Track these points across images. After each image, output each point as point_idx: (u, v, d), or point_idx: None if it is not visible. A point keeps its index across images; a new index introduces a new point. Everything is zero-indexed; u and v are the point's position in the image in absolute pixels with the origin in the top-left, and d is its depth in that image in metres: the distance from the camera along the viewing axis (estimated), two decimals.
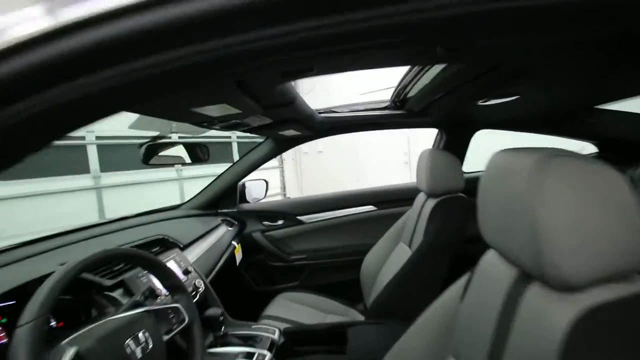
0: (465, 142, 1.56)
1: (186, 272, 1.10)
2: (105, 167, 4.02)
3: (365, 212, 1.80)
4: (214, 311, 1.01)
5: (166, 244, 1.17)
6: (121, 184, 4.14)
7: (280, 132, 1.25)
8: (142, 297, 0.77)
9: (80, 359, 0.51)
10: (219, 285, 1.83)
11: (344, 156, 6.01)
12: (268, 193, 1.98)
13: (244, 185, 1.92)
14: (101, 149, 4.03)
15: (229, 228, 1.70)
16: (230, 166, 1.70)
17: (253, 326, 1.11)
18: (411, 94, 1.27)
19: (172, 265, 1.07)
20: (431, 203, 1.22)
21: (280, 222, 1.83)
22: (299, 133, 1.32)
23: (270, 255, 1.81)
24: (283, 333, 1.10)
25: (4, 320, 0.60)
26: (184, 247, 1.23)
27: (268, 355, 0.97)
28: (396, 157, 5.50)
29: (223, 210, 1.80)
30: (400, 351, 0.75)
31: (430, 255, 1.11)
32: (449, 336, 0.70)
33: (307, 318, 1.42)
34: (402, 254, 1.36)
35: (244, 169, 1.68)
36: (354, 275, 1.63)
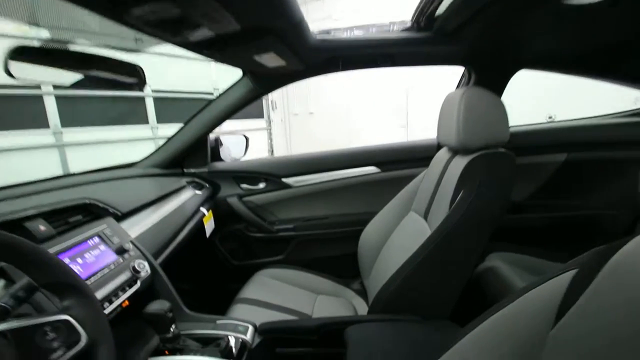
0: (501, 85, 1.22)
1: (120, 250, 0.78)
2: (67, 122, 3.55)
3: (366, 174, 1.48)
4: (158, 305, 0.71)
5: (93, 212, 0.84)
6: (86, 142, 3.69)
7: (258, 58, 0.88)
8: (13, 300, 0.44)
9: None
10: (186, 260, 1.54)
11: (337, 118, 5.60)
12: (254, 158, 1.63)
13: (217, 141, 1.56)
14: (61, 101, 3.53)
15: (197, 192, 1.36)
16: (197, 114, 1.33)
17: (218, 322, 0.82)
18: (440, 10, 0.91)
19: (94, 243, 0.75)
20: (461, 162, 0.90)
21: (261, 185, 1.51)
22: (283, 63, 0.95)
23: (250, 225, 1.50)
24: (259, 331, 0.82)
25: None
26: (124, 216, 0.90)
27: None
28: (393, 120, 5.14)
29: (190, 170, 1.45)
30: None
31: (463, 232, 0.81)
32: None
33: (292, 300, 1.14)
34: (414, 226, 1.07)
35: (215, 118, 1.32)
36: (351, 250, 1.35)
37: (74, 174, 1.10)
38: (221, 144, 1.62)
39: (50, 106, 3.42)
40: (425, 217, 1.04)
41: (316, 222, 1.49)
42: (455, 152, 1.00)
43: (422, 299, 0.84)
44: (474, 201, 0.80)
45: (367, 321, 0.79)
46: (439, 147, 1.21)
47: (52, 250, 0.65)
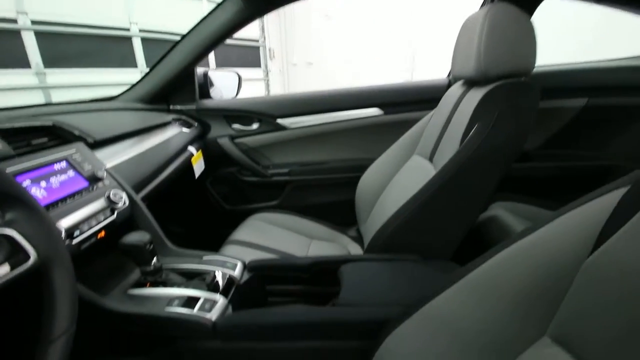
0: (533, 2, 1.06)
1: (93, 179, 0.71)
2: (50, 62, 3.31)
3: (367, 117, 1.37)
4: (137, 237, 0.65)
5: (60, 137, 0.74)
6: (72, 85, 3.48)
7: None
8: None
9: None
10: (175, 202, 1.48)
11: (337, 69, 5.30)
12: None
13: (205, 76, 1.43)
14: (42, 38, 3.25)
15: (184, 129, 1.26)
16: (180, 41, 1.18)
17: (205, 257, 0.77)
18: None
19: (60, 167, 0.66)
20: (478, 94, 0.80)
21: (255, 126, 1.40)
22: None
23: (243, 169, 1.42)
24: (248, 268, 0.77)
25: None
26: (97, 145, 0.81)
27: (221, 300, 0.64)
28: (397, 75, 4.88)
29: (177, 107, 1.34)
30: (443, 316, 0.42)
31: (472, 169, 0.73)
32: (546, 306, 0.36)
33: (286, 244, 1.10)
34: (418, 169, 0.99)
35: (200, 46, 1.17)
36: (348, 196, 1.29)
37: (45, 104, 0.99)
38: (211, 83, 1.49)
39: (30, 44, 3.16)
40: (431, 158, 0.95)
41: (312, 167, 1.41)
42: (471, 84, 0.89)
43: (422, 240, 0.79)
44: (490, 134, 0.71)
45: (363, 260, 0.74)
46: (448, 87, 1.09)
47: (8, 171, 0.57)
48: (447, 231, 0.80)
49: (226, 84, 1.52)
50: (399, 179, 1.06)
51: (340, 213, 1.37)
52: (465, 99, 0.86)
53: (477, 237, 1.12)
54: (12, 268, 0.36)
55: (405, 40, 4.53)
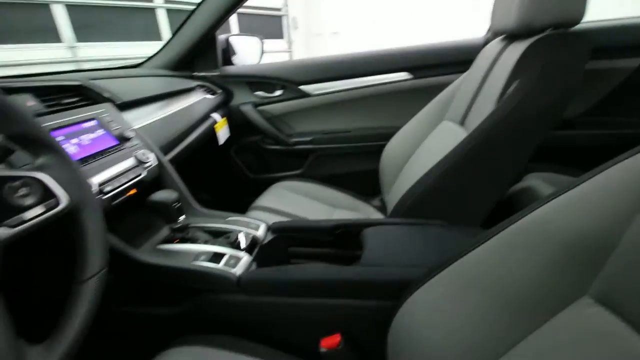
0: None
1: (122, 138, 0.72)
2: (81, 36, 3.39)
3: (395, 81, 1.30)
4: (164, 195, 0.66)
5: (90, 98, 0.76)
6: (106, 59, 3.56)
7: None
8: None
9: None
10: (199, 169, 1.51)
11: (363, 39, 5.07)
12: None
13: (227, 42, 1.40)
14: (73, 11, 3.31)
15: (208, 96, 1.26)
16: (198, 6, 1.15)
17: (229, 218, 0.79)
18: None
19: (91, 126, 0.68)
20: (519, 47, 0.72)
21: (277, 92, 1.38)
22: None
23: (266, 137, 1.42)
24: (271, 229, 0.78)
25: None
26: (124, 106, 0.82)
27: (245, 257, 0.66)
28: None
29: (200, 74, 1.33)
30: (472, 275, 0.40)
31: (509, 130, 0.68)
32: (590, 263, 0.34)
33: (309, 212, 1.10)
34: (447, 135, 0.94)
35: (220, 9, 1.14)
36: (372, 166, 1.26)
37: (75, 71, 1.01)
38: (233, 51, 1.46)
39: (60, 16, 3.23)
40: (462, 123, 0.90)
41: (336, 135, 1.38)
42: (512, 39, 0.81)
43: (449, 206, 0.75)
44: (531, 91, 0.65)
45: (387, 224, 0.73)
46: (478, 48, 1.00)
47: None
48: (475, 198, 0.76)
49: (248, 50, 1.50)
50: (426, 145, 1.01)
51: (364, 182, 1.35)
52: (505, 54, 0.79)
53: (509, 210, 1.07)
54: (46, 211, 0.38)
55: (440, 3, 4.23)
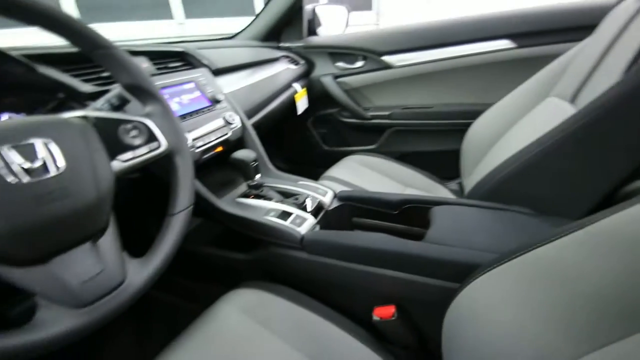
0: None
1: (214, 100, 0.80)
2: (190, 11, 3.77)
3: (494, 51, 1.15)
4: (245, 153, 0.73)
5: (189, 61, 0.86)
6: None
7: None
8: (108, 105, 0.48)
9: None
10: (278, 137, 1.59)
11: (464, 5, 4.52)
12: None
13: (314, 12, 1.41)
14: None
15: (291, 66, 1.31)
16: None
17: (300, 182, 0.83)
18: None
19: (189, 88, 0.77)
20: None
21: (358, 63, 1.35)
22: None
23: (343, 110, 1.42)
24: (338, 197, 0.80)
25: None
26: (217, 72, 0.91)
27: (310, 219, 0.69)
28: None
29: (285, 44, 1.38)
30: (550, 265, 0.35)
31: (633, 109, 0.55)
32: None
33: (378, 187, 1.08)
34: (552, 113, 0.80)
35: None
36: (453, 146, 1.16)
37: (178, 42, 1.15)
38: (319, 22, 1.47)
39: None
40: (573, 100, 0.75)
41: (416, 111, 1.30)
42: None
43: (542, 192, 0.65)
44: None
45: (461, 204, 0.67)
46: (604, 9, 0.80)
47: None
48: (576, 188, 0.64)
49: (334, 20, 1.48)
50: (522, 125, 0.88)
51: (441, 164, 1.26)
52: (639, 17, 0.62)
53: None
54: (149, 151, 0.45)
55: None
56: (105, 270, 0.37)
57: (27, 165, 0.32)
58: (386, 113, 1.34)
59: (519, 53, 1.11)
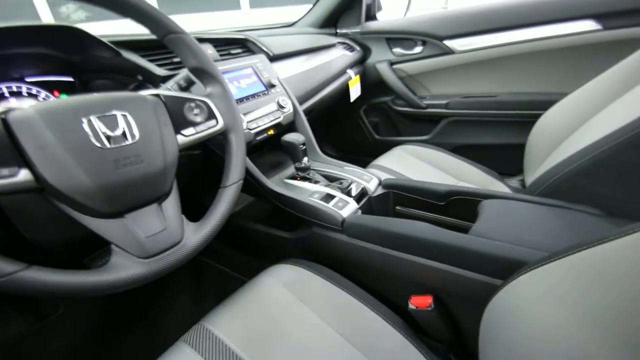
0: None
1: (269, 85, 0.85)
2: (255, 1, 3.93)
3: (575, 33, 1.02)
4: (294, 136, 0.76)
5: (249, 48, 0.91)
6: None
7: None
8: (177, 86, 0.54)
9: (6, 125, 0.33)
10: (329, 125, 1.60)
11: None
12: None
13: None
14: None
15: (347, 52, 1.30)
16: None
17: (346, 167, 0.84)
18: None
19: (248, 73, 0.82)
20: None
21: (417, 49, 1.29)
22: None
23: (398, 98, 1.38)
24: (383, 184, 0.79)
25: None
26: (274, 58, 0.95)
27: (352, 203, 0.70)
28: None
29: (343, 31, 1.37)
30: (605, 267, 0.32)
31: None
32: None
33: (428, 179, 1.05)
34: (639, 105, 0.69)
35: None
36: (517, 139, 1.07)
37: (241, 30, 1.21)
38: (380, 6, 1.43)
39: None
40: None
41: (476, 100, 1.21)
42: None
43: (615, 191, 0.57)
44: None
45: (515, 199, 0.62)
46: None
47: None
48: None
49: (395, 3, 1.43)
50: (602, 117, 0.78)
51: (502, 158, 1.17)
52: None
53: None
54: (208, 128, 0.50)
55: None
56: (167, 228, 0.42)
57: (109, 133, 0.38)
58: (443, 102, 1.27)
59: (604, 36, 0.96)
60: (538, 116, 0.97)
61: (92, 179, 0.36)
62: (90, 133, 0.37)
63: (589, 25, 0.99)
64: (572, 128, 0.87)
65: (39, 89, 0.57)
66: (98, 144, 0.37)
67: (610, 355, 0.29)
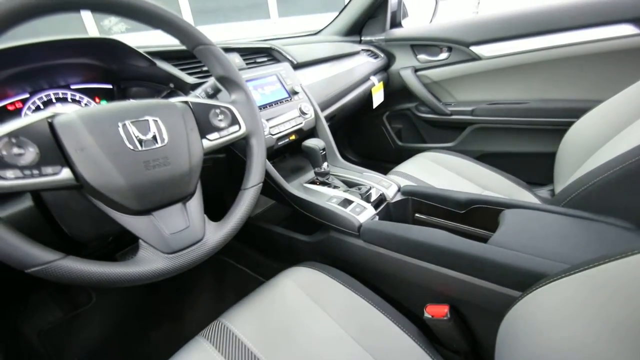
0: None
1: (292, 92, 0.87)
2: (284, 10, 4.03)
3: (612, 38, 0.97)
4: (315, 142, 0.78)
5: (275, 58, 0.94)
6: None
7: None
8: (204, 93, 0.58)
9: (52, 128, 0.37)
10: (351, 131, 1.60)
11: None
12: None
13: (399, 3, 1.38)
14: None
15: (371, 59, 1.31)
16: None
17: (365, 173, 0.84)
18: None
19: (272, 80, 0.85)
20: None
21: (442, 56, 1.28)
22: None
23: (422, 105, 1.36)
24: (402, 191, 0.79)
25: None
26: (299, 66, 0.97)
27: (370, 209, 0.70)
28: None
29: (367, 38, 1.38)
30: (625, 283, 0.30)
31: None
32: None
33: (452, 187, 1.02)
34: None
35: None
36: (546, 148, 1.03)
37: (267, 39, 1.25)
38: (405, 13, 1.43)
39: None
40: None
41: (503, 107, 1.18)
42: None
43: None
44: None
45: (538, 210, 0.60)
46: None
47: None
48: None
49: (421, 10, 1.43)
50: (638, 125, 0.73)
51: (530, 167, 1.12)
52: None
53: None
54: (231, 133, 0.53)
55: None
56: (190, 227, 0.45)
57: (141, 136, 0.41)
58: (469, 109, 1.25)
59: None
60: (570, 124, 0.93)
61: (124, 178, 0.39)
62: (124, 136, 0.40)
63: (628, 29, 0.94)
64: (606, 137, 0.83)
65: (82, 95, 0.63)
66: (131, 147, 0.40)
67: None
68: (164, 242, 0.42)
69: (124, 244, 0.81)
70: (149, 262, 0.41)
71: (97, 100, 0.65)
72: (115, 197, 0.39)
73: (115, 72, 0.67)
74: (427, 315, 0.57)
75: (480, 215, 0.67)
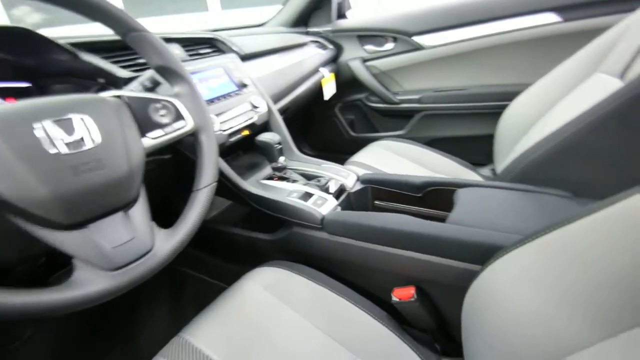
0: None
1: (241, 85, 0.83)
2: (226, 3, 3.86)
3: (537, 26, 1.06)
4: (269, 136, 0.75)
5: (218, 48, 0.88)
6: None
7: None
8: (141, 87, 0.52)
9: None
10: (303, 122, 1.58)
11: None
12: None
13: None
14: None
15: (320, 51, 1.30)
16: None
17: (323, 165, 0.84)
18: None
19: (218, 72, 0.80)
20: None
21: (388, 46, 1.31)
22: None
23: (372, 95, 1.39)
24: (361, 179, 0.79)
25: None
26: (246, 57, 0.93)
27: (331, 200, 0.70)
28: None
29: (314, 29, 1.37)
30: (572, 247, 0.33)
31: None
32: None
33: (406, 172, 1.06)
34: (599, 91, 0.73)
35: None
36: (486, 130, 1.10)
37: (211, 30, 1.18)
38: (349, 4, 1.44)
39: None
40: (623, 75, 0.68)
41: (447, 93, 1.24)
42: None
43: (581, 173, 0.60)
44: None
45: (488, 187, 0.64)
46: None
47: None
48: (618, 169, 0.58)
49: (364, 2, 1.45)
50: (564, 104, 0.81)
51: (473, 149, 1.20)
52: None
53: None
54: (176, 129, 0.48)
55: None
56: (136, 237, 0.40)
57: (66, 138, 0.35)
58: (416, 97, 1.30)
59: (564, 27, 1.01)
60: (505, 107, 1.01)
61: (47, 188, 0.33)
62: (43, 139, 0.34)
63: (550, 17, 1.03)
64: (536, 116, 0.91)
65: None
66: (53, 150, 0.34)
67: (583, 331, 0.30)
68: (105, 258, 0.37)
69: (61, 265, 0.71)
70: (87, 283, 0.35)
71: (9, 100, 0.55)
72: (37, 210, 0.33)
73: (31, 68, 0.57)
74: (394, 298, 0.58)
75: (435, 197, 0.70)
